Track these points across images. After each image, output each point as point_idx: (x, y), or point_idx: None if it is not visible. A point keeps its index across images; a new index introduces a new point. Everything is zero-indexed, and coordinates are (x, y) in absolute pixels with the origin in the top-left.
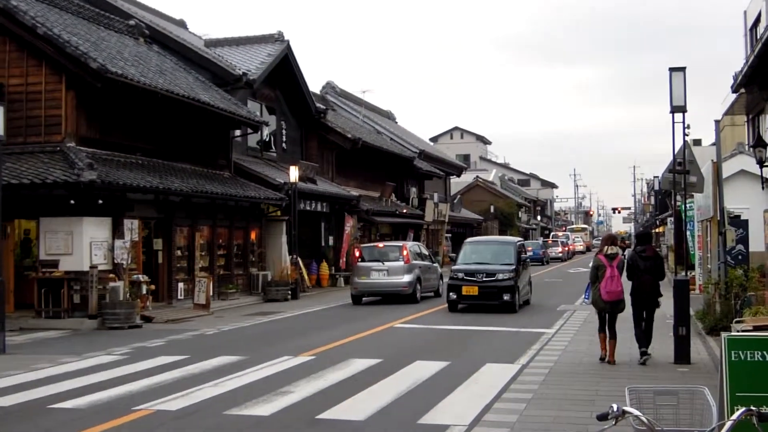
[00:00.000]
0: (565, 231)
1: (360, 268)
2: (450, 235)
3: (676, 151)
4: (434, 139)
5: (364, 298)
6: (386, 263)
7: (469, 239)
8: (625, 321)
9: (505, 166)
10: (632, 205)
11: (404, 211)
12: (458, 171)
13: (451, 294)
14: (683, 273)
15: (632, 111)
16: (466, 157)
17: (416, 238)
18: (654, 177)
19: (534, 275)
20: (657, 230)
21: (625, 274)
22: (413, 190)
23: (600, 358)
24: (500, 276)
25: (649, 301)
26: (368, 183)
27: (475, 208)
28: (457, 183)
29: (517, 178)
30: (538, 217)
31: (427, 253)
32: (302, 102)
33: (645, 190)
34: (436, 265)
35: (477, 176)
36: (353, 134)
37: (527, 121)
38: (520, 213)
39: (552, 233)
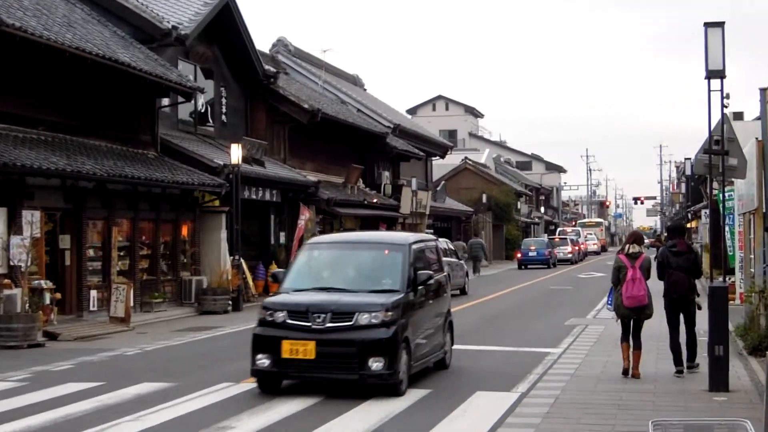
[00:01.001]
0: (575, 226)
1: None
2: (432, 230)
3: (712, 128)
4: (412, 111)
5: None
6: None
7: (317, 239)
8: (650, 333)
9: (500, 145)
10: (658, 194)
11: (374, 200)
12: (442, 151)
13: (259, 357)
14: (720, 278)
15: (657, 79)
16: (452, 134)
17: None
18: (685, 159)
19: (537, 281)
20: (689, 225)
21: (655, 274)
22: (386, 174)
23: (623, 371)
24: (362, 318)
25: (685, 302)
26: (330, 165)
27: (463, 197)
28: (440, 166)
29: (515, 161)
30: (542, 209)
31: (453, 248)
32: (247, 63)
33: (674, 175)
34: (462, 262)
35: (466, 157)
36: (311, 104)
37: (528, 91)
38: (519, 203)
39: (559, 229)
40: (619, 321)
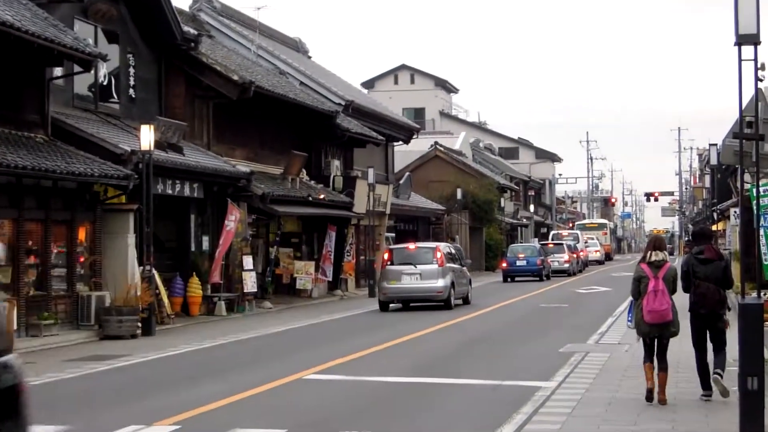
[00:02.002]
0: (572, 229)
1: (389, 272)
2: (393, 234)
3: (743, 106)
4: (369, 85)
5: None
6: (419, 266)
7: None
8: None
9: (479, 127)
10: (676, 189)
11: (321, 196)
12: (406, 134)
13: None
14: (754, 294)
15: (676, 47)
16: (418, 113)
17: (340, 239)
18: (710, 146)
19: (526, 297)
20: (714, 228)
21: (680, 285)
22: (336, 163)
23: (646, 394)
24: None
25: (713, 318)
26: (265, 153)
27: (433, 192)
28: (404, 153)
29: (498, 147)
30: (531, 208)
31: (456, 255)
32: (161, 23)
33: (696, 165)
34: (464, 268)
35: (436, 142)
36: (241, 75)
37: (514, 61)
38: (502, 200)
39: (553, 232)
40: (640, 339)
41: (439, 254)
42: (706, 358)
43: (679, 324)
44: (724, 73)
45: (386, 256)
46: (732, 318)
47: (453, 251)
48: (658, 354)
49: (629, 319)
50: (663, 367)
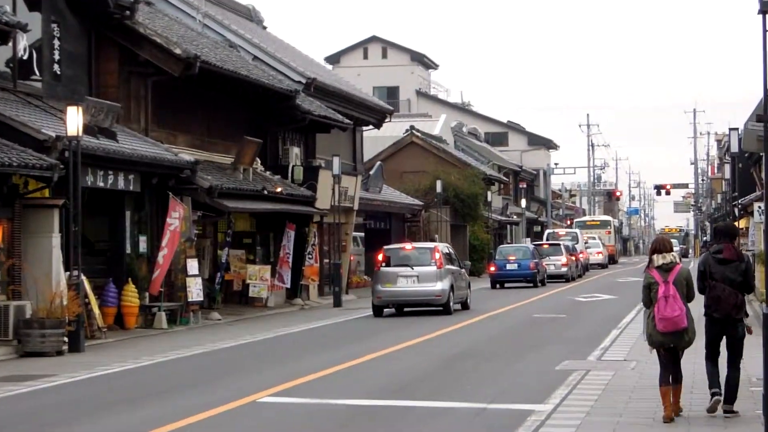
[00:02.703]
0: (571, 227)
1: (384, 275)
2: (362, 233)
3: None
4: (335, 59)
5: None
6: (416, 268)
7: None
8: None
9: (463, 108)
10: (691, 181)
11: (279, 190)
12: (378, 117)
13: None
14: None
15: (690, 19)
16: (392, 92)
17: (300, 239)
18: (730, 130)
19: (517, 306)
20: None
21: (696, 286)
22: (295, 151)
23: (663, 419)
24: None
25: (728, 323)
26: (213, 139)
27: (408, 184)
28: (375, 139)
29: (484, 132)
30: (523, 202)
31: (455, 256)
32: None
33: (714, 153)
34: (463, 270)
35: (411, 126)
36: (185, 48)
37: (503, 34)
38: (489, 194)
39: (548, 231)
40: (653, 352)
41: (437, 255)
42: (717, 362)
43: (695, 332)
44: (746, 47)
45: (380, 256)
46: (752, 325)
47: (452, 252)
48: (673, 365)
49: (643, 329)
50: (677, 379)
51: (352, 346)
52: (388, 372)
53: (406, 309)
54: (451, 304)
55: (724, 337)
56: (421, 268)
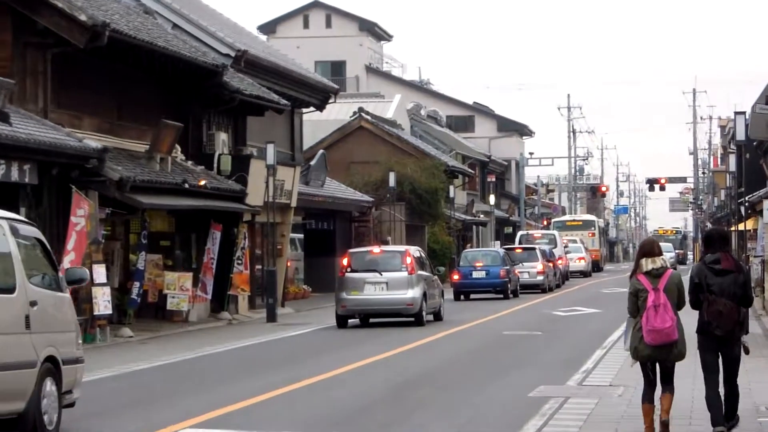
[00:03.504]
0: (548, 228)
1: (349, 281)
2: (301, 235)
3: None
4: (269, 29)
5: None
6: (385, 274)
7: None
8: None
9: (421, 87)
10: (690, 174)
11: (202, 183)
12: (321, 97)
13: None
14: None
15: None
16: (337, 68)
17: (227, 242)
18: (735, 114)
19: (485, 321)
20: (740, 227)
21: (688, 300)
22: (222, 137)
23: None
24: None
25: (729, 341)
26: (124, 122)
27: (356, 177)
28: (317, 123)
29: (446, 115)
30: (492, 199)
31: (427, 261)
32: None
33: (717, 142)
34: (436, 277)
35: (361, 108)
36: (91, 14)
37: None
38: (452, 189)
39: (521, 233)
40: (635, 365)
41: (408, 259)
42: (717, 386)
43: (685, 344)
44: (754, 18)
45: (345, 261)
46: (759, 346)
47: (424, 256)
48: (663, 378)
49: (626, 341)
50: (668, 389)
51: (288, 368)
52: (330, 400)
53: (372, 320)
54: (424, 314)
55: (722, 355)
56: (391, 274)
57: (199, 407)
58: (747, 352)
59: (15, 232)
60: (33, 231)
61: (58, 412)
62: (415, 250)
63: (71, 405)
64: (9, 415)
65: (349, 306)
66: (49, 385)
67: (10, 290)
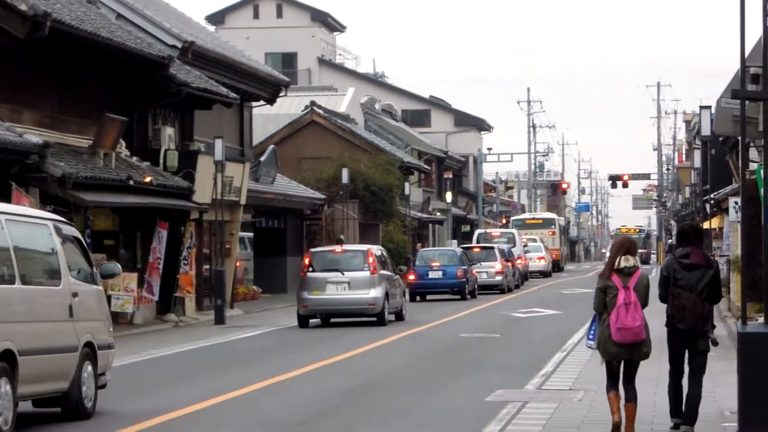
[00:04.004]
0: (507, 226)
1: (310, 281)
2: (251, 234)
3: (746, 53)
4: (218, 19)
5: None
6: (347, 273)
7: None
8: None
9: (375, 80)
10: (654, 171)
11: (147, 179)
12: (271, 90)
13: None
14: (760, 318)
15: None
16: (288, 60)
17: (174, 241)
18: (701, 109)
19: (442, 323)
20: (706, 225)
21: (658, 294)
22: (169, 132)
23: (612, 428)
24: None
25: (694, 335)
26: (66, 116)
27: (308, 173)
28: (268, 117)
29: (401, 109)
30: (449, 196)
31: (389, 261)
32: None
33: (682, 137)
34: (398, 277)
35: (313, 102)
36: (32, 4)
37: None
38: (407, 186)
39: (479, 231)
40: (604, 363)
41: (371, 259)
42: (681, 378)
43: (651, 344)
44: (719, 11)
45: (306, 260)
46: (725, 347)
47: (385, 256)
48: (626, 380)
49: (591, 336)
50: (631, 398)
51: (237, 372)
52: (282, 405)
53: (333, 320)
54: (386, 313)
55: (688, 350)
56: (353, 274)
57: (141, 413)
58: (715, 343)
59: (59, 231)
60: (72, 230)
61: (94, 391)
62: (377, 250)
63: (103, 386)
64: (55, 393)
65: (311, 306)
66: (88, 368)
67: (56, 284)
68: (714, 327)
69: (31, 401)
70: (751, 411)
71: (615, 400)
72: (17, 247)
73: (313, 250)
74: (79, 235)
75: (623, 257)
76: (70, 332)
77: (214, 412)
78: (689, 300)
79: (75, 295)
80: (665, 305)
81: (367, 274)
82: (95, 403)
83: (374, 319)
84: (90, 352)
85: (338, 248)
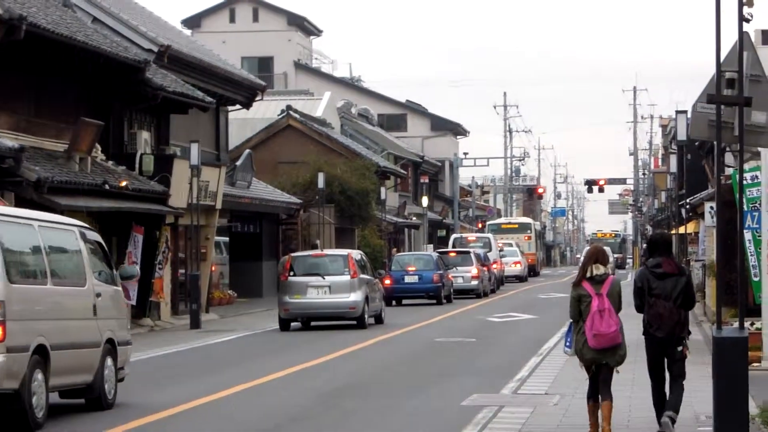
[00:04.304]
0: (483, 230)
1: (291, 285)
2: (227, 238)
3: (722, 59)
4: (194, 23)
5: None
6: (327, 278)
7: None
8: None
9: (351, 84)
10: (630, 176)
11: (123, 184)
12: (247, 95)
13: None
14: (736, 323)
15: None
16: (264, 64)
17: (149, 245)
18: (677, 113)
19: (418, 327)
20: (679, 230)
21: (634, 304)
22: (144, 136)
23: None
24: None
25: (672, 342)
26: (42, 120)
27: (284, 178)
28: (244, 122)
29: (378, 113)
30: (425, 201)
31: (368, 265)
32: None
33: (658, 141)
34: (377, 281)
35: (289, 107)
36: (7, 7)
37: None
38: (383, 190)
39: (455, 236)
40: (583, 368)
41: (351, 263)
42: (663, 387)
43: (626, 348)
44: (698, 13)
45: (287, 264)
46: (701, 352)
47: (365, 260)
48: (603, 381)
49: (567, 344)
50: (607, 397)
51: (212, 377)
52: (258, 409)
53: (313, 323)
54: (366, 317)
55: (666, 357)
56: (334, 278)
57: (114, 420)
58: (685, 355)
59: (83, 236)
60: (95, 236)
61: (114, 384)
62: (357, 254)
63: (122, 380)
64: (81, 385)
65: (292, 309)
66: (109, 362)
67: (82, 284)
68: (690, 333)
69: (58, 392)
70: (727, 415)
71: (593, 411)
72: (48, 252)
73: (294, 254)
74: (101, 240)
75: (594, 265)
76: (94, 329)
77: (186, 417)
78: (665, 308)
79: (98, 295)
80: (639, 313)
81: (347, 278)
82: (115, 395)
83: (354, 322)
84: (111, 347)
85: (318, 252)
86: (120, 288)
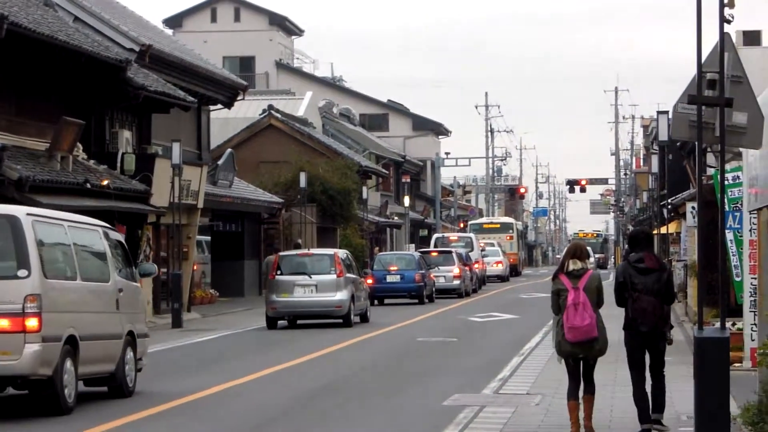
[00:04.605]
0: (465, 230)
1: (279, 283)
2: (209, 237)
3: (703, 59)
4: (176, 23)
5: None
6: (314, 276)
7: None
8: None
9: (333, 84)
10: (612, 176)
11: (104, 182)
12: (229, 94)
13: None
14: (717, 323)
15: None
16: (246, 64)
17: (131, 244)
18: (658, 114)
19: (399, 327)
20: (663, 230)
21: (609, 299)
22: (126, 135)
23: None
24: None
25: (655, 336)
26: (23, 119)
27: (266, 177)
28: (225, 121)
29: (359, 113)
30: (407, 200)
31: (354, 264)
32: None
33: (639, 142)
34: (362, 279)
35: (270, 106)
36: None
37: None
38: (365, 190)
39: (437, 236)
40: (562, 362)
41: (337, 262)
42: (644, 383)
43: (606, 341)
44: (680, 14)
45: (274, 263)
46: (682, 352)
47: (351, 259)
48: (584, 376)
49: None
50: (590, 390)
51: (193, 376)
52: (239, 410)
53: (299, 321)
54: (352, 315)
55: (648, 351)
56: (320, 277)
57: (90, 420)
58: (670, 342)
59: (107, 236)
60: (117, 235)
61: (134, 374)
62: (342, 253)
63: (140, 370)
64: (104, 374)
65: (279, 308)
66: (130, 353)
67: (106, 280)
68: (672, 327)
69: (83, 381)
70: (708, 415)
71: (574, 410)
72: (77, 250)
73: (281, 253)
74: (122, 239)
75: (571, 260)
76: (117, 322)
77: (166, 417)
78: (649, 303)
79: (120, 290)
80: (620, 308)
81: (333, 277)
82: (135, 384)
83: (340, 320)
84: (131, 339)
85: (305, 251)
86: (139, 284)
